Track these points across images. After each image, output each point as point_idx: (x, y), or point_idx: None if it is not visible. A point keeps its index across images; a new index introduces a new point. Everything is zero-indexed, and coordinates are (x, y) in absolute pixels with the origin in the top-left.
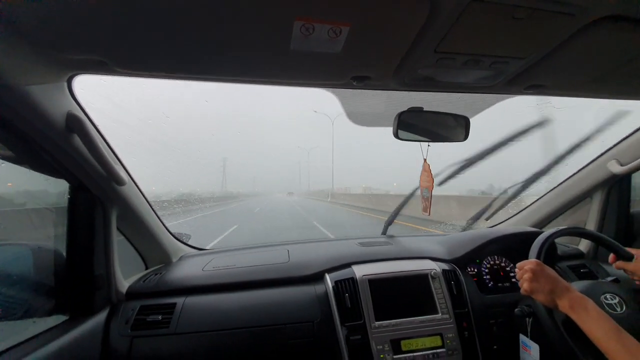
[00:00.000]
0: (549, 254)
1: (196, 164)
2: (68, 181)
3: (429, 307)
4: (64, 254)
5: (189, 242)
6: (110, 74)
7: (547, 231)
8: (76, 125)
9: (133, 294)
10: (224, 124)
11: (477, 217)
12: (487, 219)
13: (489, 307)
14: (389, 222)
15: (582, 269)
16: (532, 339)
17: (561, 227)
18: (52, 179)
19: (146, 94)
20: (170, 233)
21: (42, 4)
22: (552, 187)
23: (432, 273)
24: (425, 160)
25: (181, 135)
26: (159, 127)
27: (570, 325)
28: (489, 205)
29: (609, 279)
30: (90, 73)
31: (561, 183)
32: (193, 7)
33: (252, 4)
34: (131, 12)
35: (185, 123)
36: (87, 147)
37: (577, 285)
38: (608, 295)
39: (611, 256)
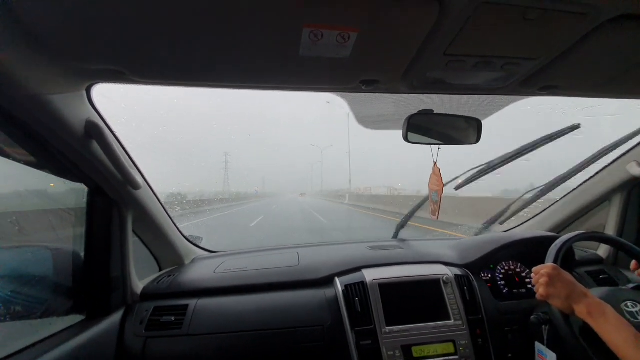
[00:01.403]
0: (567, 259)
1: (200, 162)
2: (87, 185)
3: (441, 313)
4: (82, 255)
5: (201, 245)
6: (127, 83)
7: (565, 235)
8: (94, 132)
9: (147, 295)
10: (232, 122)
11: (491, 222)
12: (500, 224)
13: (503, 314)
14: (401, 226)
15: (601, 275)
16: (549, 347)
17: (579, 232)
18: (71, 184)
19: (154, 94)
20: (183, 236)
21: (63, 18)
22: (569, 190)
23: (444, 278)
24: (435, 163)
25: (187, 134)
26: (163, 126)
27: (587, 332)
28: (506, 209)
29: (630, 286)
30: (109, 82)
31: (578, 186)
32: (206, 18)
33: (261, 12)
34: (147, 25)
35: (191, 121)
36: (105, 152)
37: (596, 291)
38: (629, 303)
39: (633, 263)
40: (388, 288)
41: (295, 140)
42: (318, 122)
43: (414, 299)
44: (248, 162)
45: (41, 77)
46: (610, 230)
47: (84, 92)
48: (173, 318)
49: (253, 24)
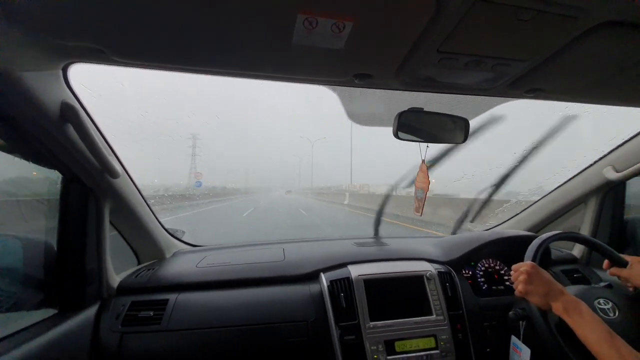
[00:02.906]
0: (543, 258)
1: (167, 150)
2: (61, 172)
3: (424, 308)
4: (55, 247)
5: (183, 239)
6: (107, 64)
7: (543, 235)
8: (71, 115)
9: (124, 289)
10: (212, 108)
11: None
12: (471, 222)
13: (483, 310)
14: (378, 223)
15: (575, 274)
16: (525, 343)
17: (557, 232)
18: (44, 170)
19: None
20: (164, 228)
21: None
22: (547, 192)
23: (427, 274)
24: (423, 161)
25: (158, 117)
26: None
27: (563, 328)
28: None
29: (602, 284)
30: (87, 62)
31: (556, 188)
32: None
33: None
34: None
35: (163, 106)
36: (81, 137)
37: (571, 289)
38: (601, 300)
39: (605, 262)
40: (373, 284)
41: (284, 132)
42: (309, 115)
43: (398, 295)
44: (228, 153)
45: (13, 53)
46: (585, 231)
47: (60, 72)
48: (152, 313)
49: (246, 7)
